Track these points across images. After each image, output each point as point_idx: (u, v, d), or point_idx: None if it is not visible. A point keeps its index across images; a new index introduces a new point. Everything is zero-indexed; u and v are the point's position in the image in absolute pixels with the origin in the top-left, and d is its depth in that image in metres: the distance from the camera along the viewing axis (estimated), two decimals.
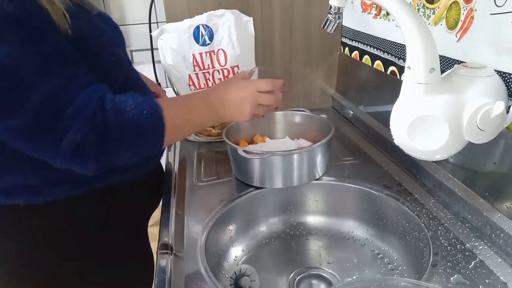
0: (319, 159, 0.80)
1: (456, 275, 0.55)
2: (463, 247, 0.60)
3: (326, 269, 0.73)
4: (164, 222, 0.73)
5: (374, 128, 0.98)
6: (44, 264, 0.69)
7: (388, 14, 0.89)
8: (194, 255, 0.63)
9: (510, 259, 0.57)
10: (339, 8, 0.60)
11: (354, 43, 1.08)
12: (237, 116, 0.70)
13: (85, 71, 0.58)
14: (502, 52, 0.57)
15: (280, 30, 1.10)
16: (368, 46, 1.00)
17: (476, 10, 0.61)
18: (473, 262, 0.57)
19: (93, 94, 0.55)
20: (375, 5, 0.95)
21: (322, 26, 0.64)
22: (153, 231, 0.93)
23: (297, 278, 0.72)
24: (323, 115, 0.94)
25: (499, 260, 0.57)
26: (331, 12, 0.61)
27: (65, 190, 0.64)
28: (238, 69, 0.97)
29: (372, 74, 1.00)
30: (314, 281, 0.72)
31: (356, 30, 1.06)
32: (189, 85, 0.97)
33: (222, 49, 0.96)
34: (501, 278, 0.54)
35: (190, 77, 0.96)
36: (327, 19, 0.62)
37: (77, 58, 0.57)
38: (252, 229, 0.82)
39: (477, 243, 0.60)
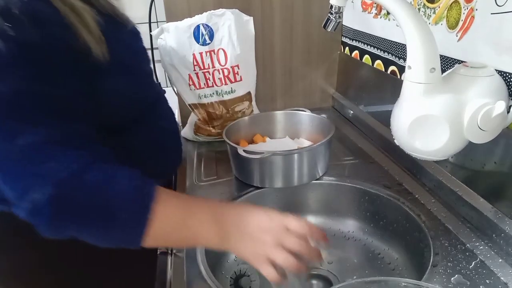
0: (320, 159, 0.80)
1: (456, 275, 0.55)
2: (463, 247, 0.60)
3: (326, 269, 0.73)
4: None
5: (374, 128, 0.97)
6: (45, 266, 0.69)
7: (388, 13, 0.88)
8: (194, 255, 0.63)
9: (510, 259, 0.56)
10: (339, 7, 0.60)
11: (355, 43, 1.08)
12: (246, 250, 0.52)
13: (87, 129, 0.52)
14: (503, 51, 0.57)
15: (280, 30, 1.10)
16: (369, 46, 1.00)
17: (476, 9, 0.61)
18: (473, 262, 0.57)
19: (77, 158, 0.47)
20: (375, 5, 0.94)
21: (322, 25, 0.64)
22: None
23: None
24: (323, 115, 0.94)
25: (500, 260, 0.57)
26: (331, 11, 0.61)
27: None
28: (238, 68, 0.97)
29: (372, 74, 1.00)
30: (314, 281, 0.72)
31: (357, 30, 1.06)
32: (189, 85, 0.97)
33: (222, 49, 0.95)
34: (502, 278, 0.54)
35: (190, 77, 0.96)
36: (328, 19, 0.62)
37: (83, 110, 0.52)
38: None
39: (477, 243, 0.60)
